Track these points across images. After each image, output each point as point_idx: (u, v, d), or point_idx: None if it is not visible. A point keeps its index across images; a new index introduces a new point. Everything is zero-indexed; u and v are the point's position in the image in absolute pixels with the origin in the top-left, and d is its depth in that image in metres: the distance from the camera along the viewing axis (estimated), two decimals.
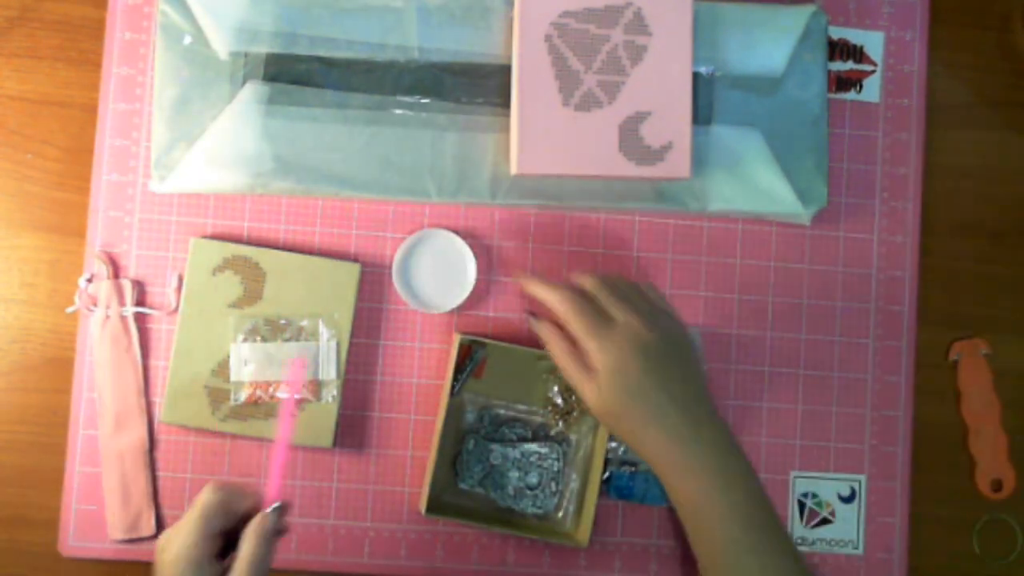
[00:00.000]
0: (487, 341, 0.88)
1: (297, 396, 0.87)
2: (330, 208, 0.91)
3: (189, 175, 0.88)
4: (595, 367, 0.77)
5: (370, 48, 0.89)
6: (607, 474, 0.90)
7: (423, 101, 0.89)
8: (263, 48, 0.88)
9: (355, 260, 0.90)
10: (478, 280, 0.90)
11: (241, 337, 0.88)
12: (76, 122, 0.91)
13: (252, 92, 0.87)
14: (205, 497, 0.72)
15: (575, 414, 0.90)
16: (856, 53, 0.95)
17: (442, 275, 0.91)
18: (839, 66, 0.95)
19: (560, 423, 0.90)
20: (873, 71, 0.95)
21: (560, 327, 0.80)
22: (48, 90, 0.91)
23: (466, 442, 0.89)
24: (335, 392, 0.88)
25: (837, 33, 0.95)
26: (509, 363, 0.90)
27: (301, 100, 0.88)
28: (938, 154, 0.96)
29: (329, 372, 0.88)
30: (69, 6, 0.91)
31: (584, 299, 0.80)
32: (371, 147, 0.89)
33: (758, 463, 0.92)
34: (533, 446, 0.89)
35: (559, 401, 0.90)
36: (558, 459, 0.89)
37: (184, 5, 0.88)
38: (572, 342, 0.79)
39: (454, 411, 0.89)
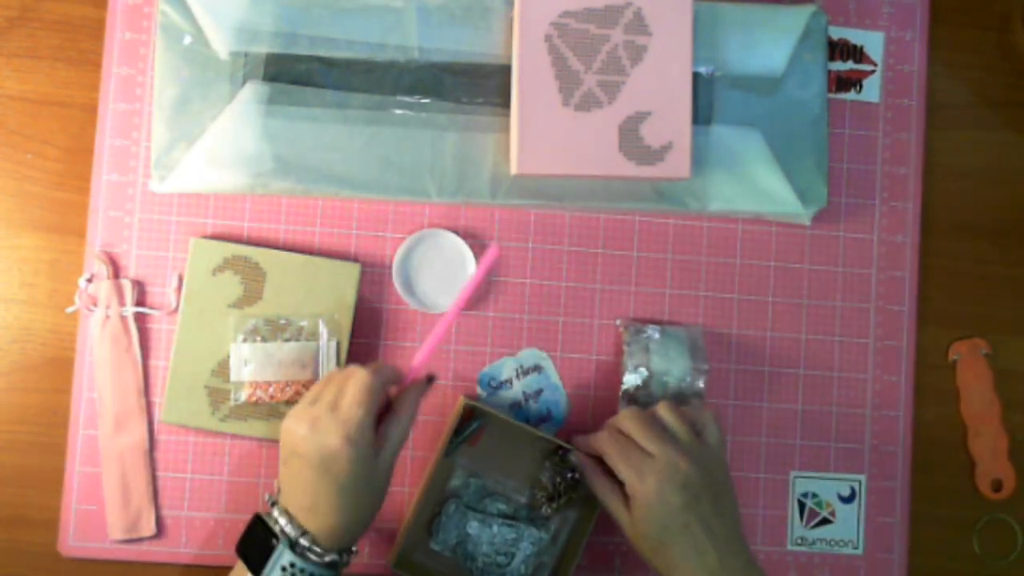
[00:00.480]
0: (489, 411, 0.87)
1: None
2: (330, 208, 0.91)
3: (189, 175, 0.88)
4: (633, 496, 0.78)
5: (370, 48, 0.89)
6: None
7: (423, 101, 0.89)
8: (263, 48, 0.88)
9: (355, 260, 0.90)
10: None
11: (241, 337, 0.88)
12: (76, 122, 0.91)
13: (252, 92, 0.87)
14: (369, 381, 0.76)
15: (562, 500, 0.88)
16: (856, 53, 0.95)
17: (442, 275, 0.91)
18: (839, 66, 0.95)
19: (545, 507, 0.88)
20: (873, 71, 0.95)
21: (601, 463, 0.82)
22: (48, 90, 0.91)
23: (447, 505, 0.88)
24: None
25: (837, 33, 0.95)
26: (507, 437, 0.89)
27: (301, 100, 0.88)
28: (938, 154, 0.96)
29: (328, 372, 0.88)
30: (69, 6, 0.91)
31: (623, 436, 0.81)
32: (371, 147, 0.89)
33: (758, 463, 0.92)
34: (508, 529, 0.88)
35: (549, 485, 0.88)
36: (533, 544, 0.88)
37: (184, 5, 0.88)
38: (612, 475, 0.80)
39: (442, 470, 0.88)
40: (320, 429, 0.75)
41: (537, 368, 0.91)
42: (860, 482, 0.93)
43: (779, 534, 0.92)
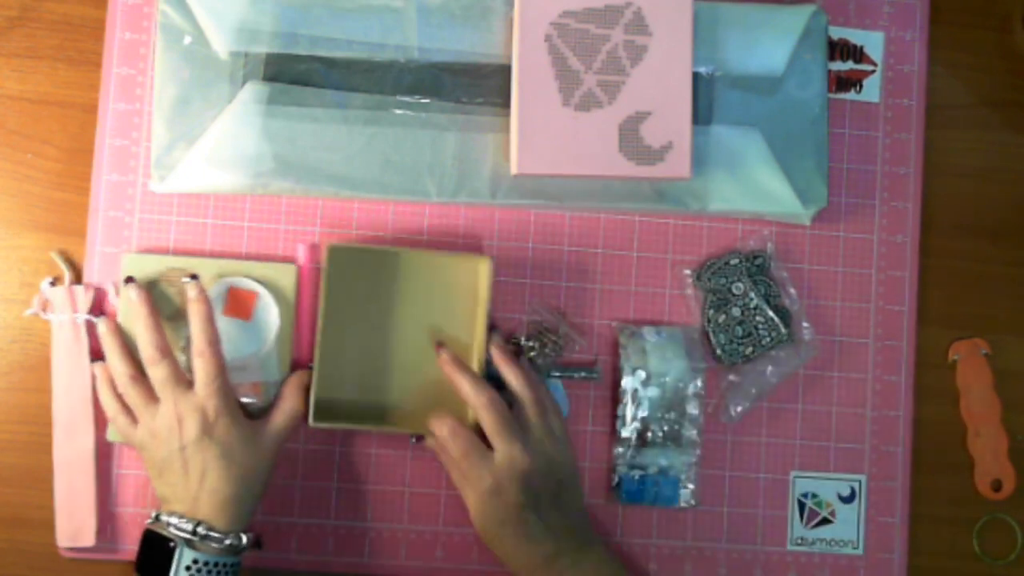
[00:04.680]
0: (358, 247, 0.88)
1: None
2: (330, 208, 0.91)
3: (189, 175, 0.88)
4: (474, 491, 0.82)
5: (370, 48, 0.89)
6: (617, 479, 0.90)
7: (423, 101, 0.89)
8: (263, 48, 0.88)
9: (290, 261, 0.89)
10: (281, 327, 0.88)
11: (181, 345, 0.87)
12: (76, 122, 0.91)
13: (252, 92, 0.87)
14: (215, 364, 0.81)
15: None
16: (856, 53, 0.95)
17: (241, 325, 0.88)
18: (839, 66, 0.95)
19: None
20: (873, 71, 0.95)
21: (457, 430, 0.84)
22: (48, 90, 0.91)
23: None
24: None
25: (837, 33, 0.95)
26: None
27: (301, 100, 0.88)
28: (938, 154, 0.96)
29: (271, 374, 0.87)
30: (69, 6, 0.91)
31: (465, 430, 0.83)
32: (371, 147, 0.89)
33: (758, 463, 0.92)
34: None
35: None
36: None
37: (184, 5, 0.88)
38: (465, 449, 0.83)
39: (330, 322, 0.86)
40: (189, 411, 0.79)
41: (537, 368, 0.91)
42: (860, 482, 0.93)
43: (779, 534, 0.92)
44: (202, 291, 0.83)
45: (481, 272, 0.88)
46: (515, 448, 0.81)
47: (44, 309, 0.88)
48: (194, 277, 0.84)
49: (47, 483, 0.88)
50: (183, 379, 0.81)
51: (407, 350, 0.89)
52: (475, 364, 0.87)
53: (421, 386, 0.89)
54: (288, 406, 0.84)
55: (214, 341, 0.82)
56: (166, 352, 0.81)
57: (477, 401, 0.83)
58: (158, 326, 0.82)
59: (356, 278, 0.88)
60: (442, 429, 0.83)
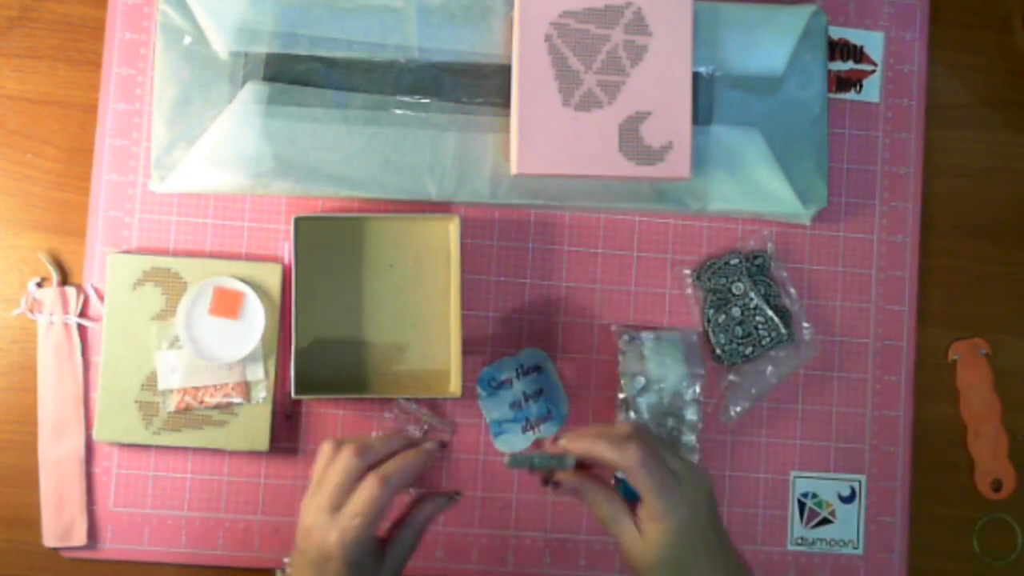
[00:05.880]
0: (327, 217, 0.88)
1: None
2: (330, 208, 0.91)
3: (189, 175, 0.88)
4: (658, 521, 0.71)
5: (370, 48, 0.89)
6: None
7: (423, 101, 0.89)
8: (263, 48, 0.88)
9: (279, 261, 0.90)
10: (267, 326, 0.88)
11: (166, 345, 0.87)
12: (76, 122, 0.91)
13: (252, 92, 0.87)
14: (376, 495, 0.72)
15: None
16: (856, 53, 0.95)
17: (226, 325, 0.88)
18: (839, 66, 0.95)
19: None
20: (873, 71, 0.95)
21: (592, 479, 0.75)
22: (48, 90, 0.91)
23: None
24: (265, 393, 0.87)
25: (837, 33, 0.95)
26: None
27: (301, 100, 0.88)
28: (938, 154, 0.96)
29: (256, 373, 0.88)
30: (69, 6, 0.91)
31: (651, 453, 0.72)
32: (371, 147, 0.89)
33: (758, 463, 0.92)
34: None
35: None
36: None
37: (184, 5, 0.88)
38: (612, 492, 0.75)
39: (304, 295, 0.87)
40: (319, 527, 0.72)
41: (537, 368, 0.91)
42: (860, 482, 0.93)
43: (779, 534, 0.92)
44: (430, 452, 0.76)
45: (451, 232, 0.89)
46: (693, 472, 0.73)
47: (32, 310, 0.88)
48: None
49: None
50: (339, 502, 0.73)
51: (382, 318, 0.89)
52: (454, 325, 0.88)
53: (398, 353, 0.89)
54: (410, 537, 0.76)
55: (376, 502, 0.72)
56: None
57: (633, 456, 0.71)
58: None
59: (326, 249, 0.89)
60: (630, 456, 0.71)
